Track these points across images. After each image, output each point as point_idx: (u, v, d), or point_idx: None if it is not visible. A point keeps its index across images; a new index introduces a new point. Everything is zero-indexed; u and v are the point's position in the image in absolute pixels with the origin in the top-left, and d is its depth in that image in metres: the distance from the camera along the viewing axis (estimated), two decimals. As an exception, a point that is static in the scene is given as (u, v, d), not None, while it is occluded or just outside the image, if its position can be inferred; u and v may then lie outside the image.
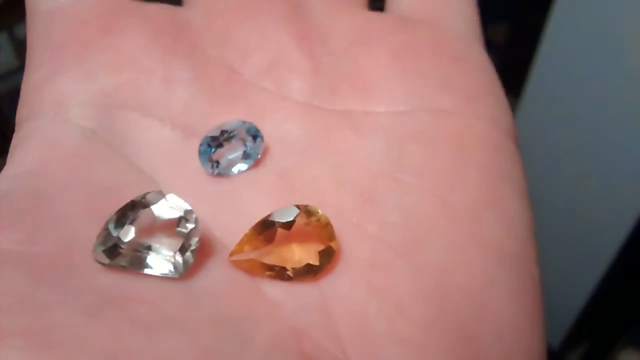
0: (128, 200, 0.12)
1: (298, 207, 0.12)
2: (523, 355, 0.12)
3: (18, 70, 0.90)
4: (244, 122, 0.14)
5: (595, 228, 0.85)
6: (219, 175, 0.13)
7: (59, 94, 0.14)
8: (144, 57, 0.15)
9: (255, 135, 0.14)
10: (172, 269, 0.11)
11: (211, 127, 0.14)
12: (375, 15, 0.17)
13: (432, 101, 0.15)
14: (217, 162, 0.13)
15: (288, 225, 0.12)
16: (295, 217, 0.12)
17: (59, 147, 0.13)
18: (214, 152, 0.13)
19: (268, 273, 0.12)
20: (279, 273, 0.12)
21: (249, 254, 0.12)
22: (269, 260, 0.12)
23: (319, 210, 0.12)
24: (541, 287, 0.13)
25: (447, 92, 0.15)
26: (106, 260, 0.11)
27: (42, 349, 0.09)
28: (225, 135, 0.14)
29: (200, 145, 0.14)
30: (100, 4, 0.15)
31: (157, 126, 0.14)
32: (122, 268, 0.11)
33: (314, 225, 0.12)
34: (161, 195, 0.12)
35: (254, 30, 0.16)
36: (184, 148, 0.14)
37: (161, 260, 0.11)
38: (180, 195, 0.12)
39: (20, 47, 0.90)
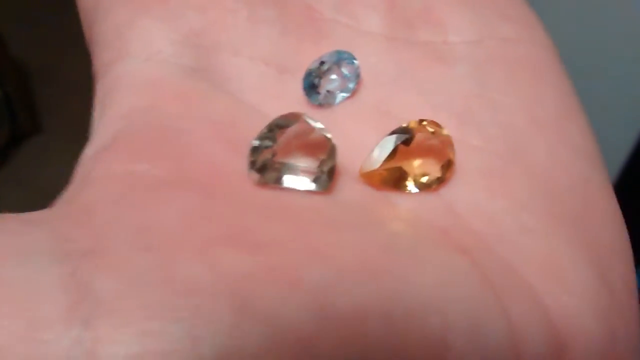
0: (248, 132, 0.12)
1: (416, 124, 0.13)
2: (622, 235, 0.14)
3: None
4: (339, 51, 0.14)
5: None
6: (321, 106, 0.14)
7: (147, 35, 0.14)
8: None
9: (351, 61, 0.14)
10: (317, 184, 0.12)
11: (301, 63, 0.14)
12: None
13: (498, 30, 0.16)
14: (319, 93, 0.14)
15: (408, 142, 0.13)
16: (413, 133, 0.13)
17: (165, 86, 0.13)
18: (316, 83, 0.14)
19: (395, 186, 0.13)
20: (404, 185, 0.13)
21: (377, 169, 0.13)
22: (395, 173, 0.13)
23: (436, 125, 0.13)
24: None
25: (508, 22, 0.16)
26: (261, 179, 0.11)
27: (250, 250, 0.10)
28: (324, 67, 0.14)
29: (304, 78, 0.14)
30: None
31: (251, 64, 0.14)
32: (274, 184, 0.12)
33: (435, 138, 0.13)
34: (299, 116, 0.12)
35: None
36: (280, 83, 0.14)
37: (305, 177, 0.12)
38: None
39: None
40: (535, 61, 0.15)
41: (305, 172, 0.12)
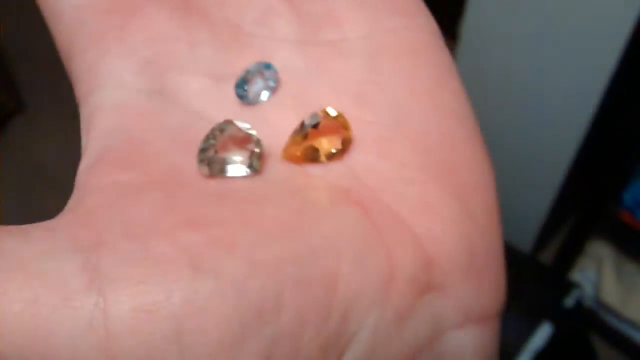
0: (198, 133, 0.17)
1: (319, 112, 0.18)
2: (484, 173, 0.18)
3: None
4: (259, 62, 0.19)
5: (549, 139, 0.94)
6: (251, 104, 0.19)
7: (112, 70, 0.18)
8: (170, 29, 0.19)
9: (269, 68, 0.19)
10: (250, 169, 0.17)
11: (233, 71, 0.19)
12: None
13: (385, 23, 0.20)
14: (247, 95, 0.19)
15: (316, 126, 0.18)
16: (319, 119, 0.18)
17: (130, 108, 0.18)
18: (244, 88, 0.19)
19: (309, 159, 0.18)
20: (316, 158, 0.18)
21: (294, 150, 0.17)
22: (308, 150, 0.18)
23: (335, 111, 0.18)
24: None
25: (394, 14, 0.20)
26: (207, 172, 0.16)
27: (202, 228, 0.15)
28: (249, 75, 0.19)
29: (235, 86, 0.19)
30: None
31: (194, 79, 0.19)
32: (219, 175, 0.16)
33: (336, 120, 0.18)
34: (230, 122, 0.17)
35: None
36: (219, 90, 0.19)
37: (241, 165, 0.17)
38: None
39: None
40: (415, 45, 0.20)
41: (240, 161, 0.17)
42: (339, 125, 0.18)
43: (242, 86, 0.19)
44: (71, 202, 0.16)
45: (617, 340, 1.22)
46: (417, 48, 0.20)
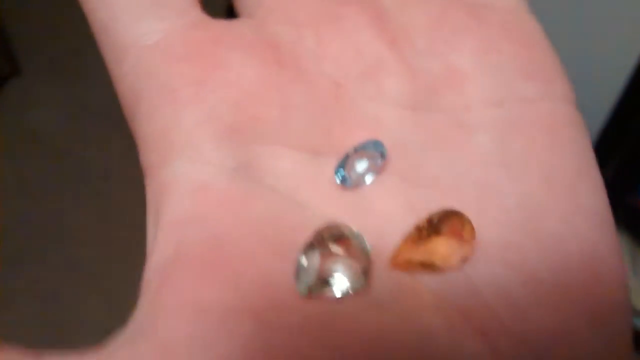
0: (290, 228, 0.14)
1: (442, 211, 0.14)
2: (623, 304, 0.15)
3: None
4: (368, 141, 0.15)
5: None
6: (350, 187, 0.15)
7: (189, 137, 0.15)
8: (258, 87, 0.16)
9: (378, 147, 0.15)
10: (357, 284, 0.14)
11: (333, 144, 0.16)
12: (446, 3, 0.18)
13: (520, 91, 0.16)
14: (349, 176, 0.15)
15: (434, 228, 0.14)
16: (438, 221, 0.14)
17: (211, 191, 0.14)
18: (345, 168, 0.15)
19: (421, 268, 0.14)
20: (430, 267, 0.14)
21: (404, 256, 0.14)
22: (420, 257, 0.14)
23: (462, 213, 0.14)
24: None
25: (529, 80, 0.17)
26: (308, 292, 0.13)
27: None
28: (353, 153, 0.15)
29: (336, 169, 0.15)
30: (191, 36, 0.16)
31: (286, 152, 0.15)
32: (320, 294, 0.13)
33: (456, 223, 0.14)
34: (335, 225, 0.14)
35: (344, 40, 0.17)
36: (314, 167, 0.15)
37: (345, 280, 0.14)
38: (322, 211, 0.15)
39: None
40: (554, 122, 0.16)
41: (344, 276, 0.14)
42: (462, 226, 0.15)
43: (342, 168, 0.15)
44: (140, 315, 0.13)
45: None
46: (555, 126, 0.16)
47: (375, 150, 0.15)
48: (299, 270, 0.13)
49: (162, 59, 0.16)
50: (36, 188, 0.93)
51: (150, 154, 0.15)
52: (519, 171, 0.15)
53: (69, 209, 0.91)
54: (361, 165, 0.15)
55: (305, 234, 0.14)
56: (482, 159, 0.16)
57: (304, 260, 0.13)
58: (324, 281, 0.13)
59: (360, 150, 0.15)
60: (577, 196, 0.15)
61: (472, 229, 0.14)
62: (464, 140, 0.16)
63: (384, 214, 0.15)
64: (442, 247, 0.14)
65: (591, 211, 0.15)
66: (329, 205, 0.15)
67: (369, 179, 0.15)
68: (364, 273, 0.14)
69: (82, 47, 0.98)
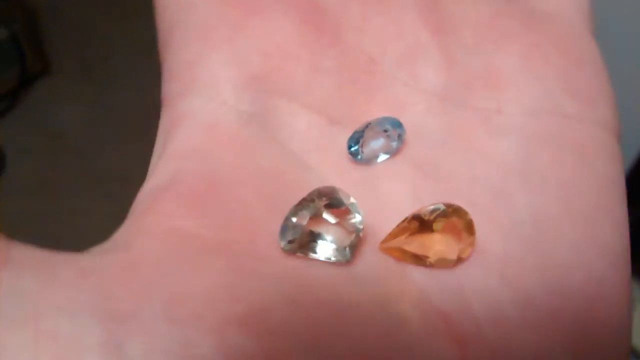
0: (290, 184, 0.14)
1: (446, 205, 0.14)
2: (620, 348, 0.14)
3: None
4: (387, 118, 0.15)
5: None
6: (362, 163, 0.15)
7: (212, 75, 0.15)
8: (291, 44, 0.16)
9: (398, 129, 0.15)
10: (341, 256, 0.13)
11: (354, 116, 0.15)
12: (503, 5, 0.17)
13: (559, 105, 0.16)
14: (362, 151, 0.15)
15: (434, 220, 0.14)
16: (441, 213, 0.14)
17: (222, 130, 0.14)
18: (360, 141, 0.15)
19: (412, 260, 0.14)
20: (422, 260, 0.14)
21: (397, 243, 0.14)
22: (413, 248, 0.14)
23: (467, 212, 0.14)
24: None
25: (571, 96, 0.16)
26: (289, 247, 0.13)
27: (260, 336, 0.11)
28: (370, 129, 0.15)
29: (349, 138, 0.15)
30: None
31: (305, 112, 0.15)
32: (301, 254, 0.13)
33: (458, 220, 0.14)
34: (333, 189, 0.13)
35: (390, 18, 0.16)
36: (328, 134, 0.15)
37: (331, 247, 0.13)
38: (328, 180, 0.14)
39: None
40: (587, 145, 0.15)
41: (332, 243, 0.13)
42: (463, 226, 0.14)
43: (356, 141, 0.15)
44: (120, 234, 0.13)
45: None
46: (587, 150, 0.15)
47: (393, 129, 0.15)
48: (286, 224, 0.13)
49: None
50: (53, 186, 0.94)
51: (171, 84, 0.15)
52: (539, 186, 0.15)
53: (84, 208, 0.92)
54: (376, 143, 0.15)
55: (303, 195, 0.14)
56: (503, 165, 0.15)
57: (292, 216, 0.13)
58: (308, 243, 0.13)
59: (377, 126, 0.15)
60: (594, 228, 0.14)
61: (473, 230, 0.14)
62: (488, 142, 0.15)
63: (389, 196, 0.15)
64: (437, 244, 0.14)
65: (606, 247, 0.14)
66: (335, 175, 0.15)
67: (381, 157, 0.15)
68: (351, 247, 0.13)
69: (112, 53, 1.01)
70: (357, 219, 0.13)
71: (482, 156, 0.15)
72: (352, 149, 0.15)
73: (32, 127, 0.98)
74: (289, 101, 0.15)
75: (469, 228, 0.14)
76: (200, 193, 0.13)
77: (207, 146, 0.14)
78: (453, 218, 0.14)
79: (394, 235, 0.14)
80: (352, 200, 0.13)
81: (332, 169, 0.15)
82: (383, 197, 0.15)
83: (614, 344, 0.14)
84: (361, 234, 0.13)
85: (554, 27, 0.17)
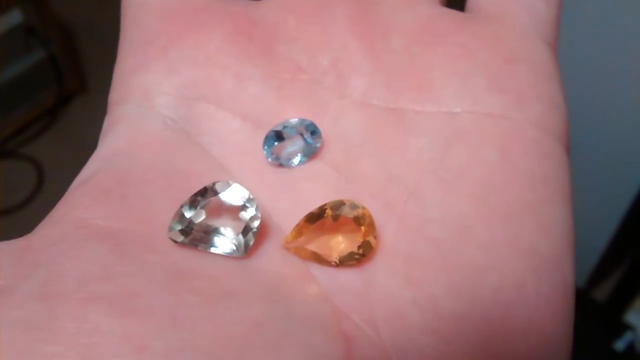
0: (201, 184, 0.14)
1: (344, 201, 0.14)
2: (547, 357, 0.13)
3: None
4: (304, 120, 0.15)
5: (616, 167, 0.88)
6: (280, 165, 0.15)
7: (145, 84, 0.16)
8: (221, 54, 0.16)
9: (314, 131, 0.15)
10: (234, 249, 0.13)
11: (277, 121, 0.16)
12: (442, 12, 0.17)
13: (481, 103, 0.15)
14: (279, 154, 0.15)
15: (336, 217, 0.14)
16: (341, 210, 0.14)
17: (145, 133, 0.16)
18: (277, 145, 0.15)
19: (316, 259, 0.14)
20: (326, 259, 0.14)
21: (300, 242, 0.14)
22: (317, 247, 0.14)
23: (363, 206, 0.14)
24: (573, 290, 0.14)
25: (496, 94, 0.15)
26: (179, 239, 0.13)
27: (122, 315, 0.11)
28: (287, 130, 0.15)
29: (265, 138, 0.15)
30: (186, 2, 0.17)
31: (229, 118, 0.16)
32: (192, 246, 0.13)
33: (356, 219, 0.14)
34: (228, 184, 0.14)
35: (321, 29, 0.17)
36: (251, 139, 0.16)
37: (225, 241, 0.13)
38: (244, 182, 0.14)
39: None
40: (511, 143, 0.15)
41: (226, 237, 0.14)
42: (366, 225, 0.14)
43: (271, 142, 0.15)
44: (43, 222, 0.14)
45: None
46: (510, 147, 0.15)
47: (307, 131, 0.15)
48: (176, 218, 0.13)
49: (150, 12, 0.17)
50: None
51: (113, 93, 0.17)
52: (453, 184, 0.14)
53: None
54: (294, 145, 0.15)
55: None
56: (418, 164, 0.15)
57: (186, 209, 0.14)
58: (203, 236, 0.13)
59: (292, 128, 0.15)
60: (513, 228, 0.14)
61: (374, 229, 0.14)
62: (405, 142, 0.15)
63: (304, 198, 0.15)
64: (337, 243, 0.14)
65: (528, 249, 0.14)
66: (251, 177, 0.15)
67: (297, 160, 0.15)
68: (246, 240, 0.13)
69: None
70: (252, 212, 0.14)
71: (398, 156, 0.15)
72: (267, 150, 0.15)
73: (68, 143, 1.01)
74: (214, 107, 0.16)
75: (370, 230, 0.14)
76: (108, 189, 0.14)
77: (128, 149, 0.15)
78: (353, 216, 0.14)
79: (295, 233, 0.14)
80: (248, 195, 0.14)
81: (250, 172, 0.15)
82: (299, 198, 0.15)
83: (539, 358, 0.13)
84: (256, 227, 0.14)
85: (490, 28, 0.17)
